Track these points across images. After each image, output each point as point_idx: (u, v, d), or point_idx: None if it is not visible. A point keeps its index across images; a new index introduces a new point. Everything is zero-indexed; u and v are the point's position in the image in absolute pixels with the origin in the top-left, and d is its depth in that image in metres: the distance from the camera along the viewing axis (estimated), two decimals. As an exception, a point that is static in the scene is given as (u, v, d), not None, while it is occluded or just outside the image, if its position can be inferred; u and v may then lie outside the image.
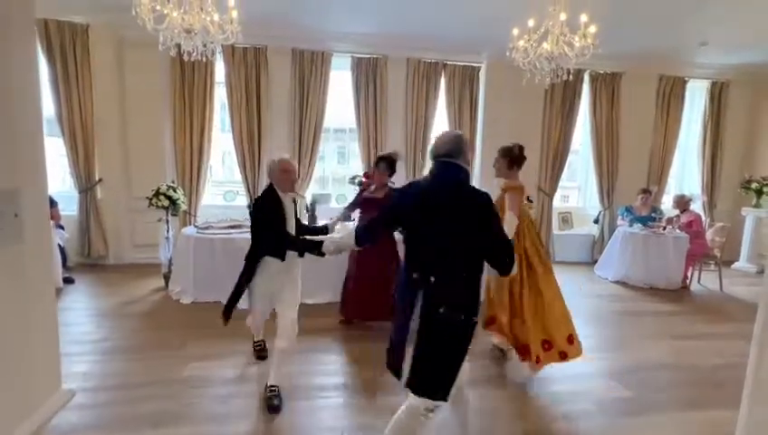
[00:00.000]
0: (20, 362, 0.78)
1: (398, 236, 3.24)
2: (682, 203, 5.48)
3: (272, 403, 2.40)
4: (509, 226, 2.58)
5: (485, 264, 1.71)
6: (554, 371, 2.88)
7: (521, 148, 2.87)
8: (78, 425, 2.22)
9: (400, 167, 5.95)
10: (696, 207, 6.02)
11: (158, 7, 3.12)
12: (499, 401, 2.62)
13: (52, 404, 0.86)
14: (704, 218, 6.26)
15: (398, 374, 1.75)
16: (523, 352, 2.82)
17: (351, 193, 4.76)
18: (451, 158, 1.73)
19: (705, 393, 2.75)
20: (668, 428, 2.41)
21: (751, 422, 0.87)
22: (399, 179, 5.82)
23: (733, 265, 6.32)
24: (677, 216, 5.51)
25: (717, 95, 6.56)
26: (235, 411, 2.41)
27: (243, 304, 4.02)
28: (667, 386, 2.85)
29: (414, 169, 5.95)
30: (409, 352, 1.67)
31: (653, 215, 5.54)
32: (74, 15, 4.84)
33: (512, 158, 2.85)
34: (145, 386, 2.63)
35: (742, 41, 5.35)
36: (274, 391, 2.45)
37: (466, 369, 1.83)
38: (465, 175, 1.74)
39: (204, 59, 3.55)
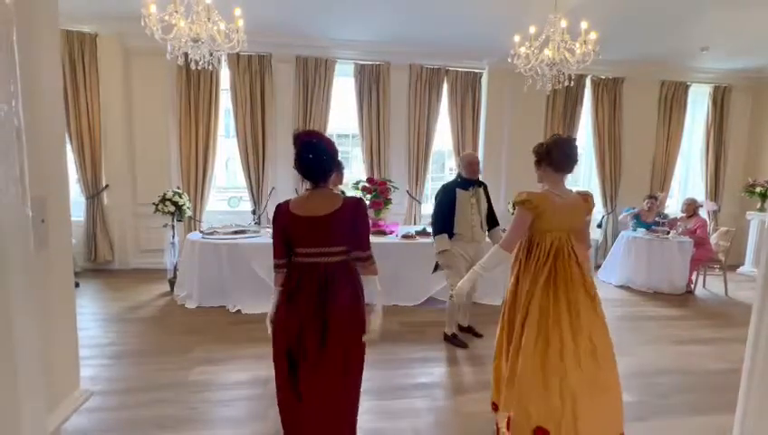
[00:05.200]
0: (45, 358, 0.81)
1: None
2: (691, 207, 5.46)
3: None
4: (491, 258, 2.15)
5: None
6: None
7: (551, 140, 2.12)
8: (86, 428, 2.25)
9: (404, 172, 6.02)
10: (702, 213, 6.00)
11: (165, 17, 3.18)
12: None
13: (72, 401, 0.90)
14: (709, 223, 6.24)
15: None
16: None
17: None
18: None
19: (709, 398, 2.74)
20: (672, 433, 2.41)
21: (746, 425, 0.89)
22: (402, 185, 5.88)
23: (738, 270, 6.28)
24: (679, 217, 5.50)
25: (720, 100, 6.57)
26: (240, 415, 2.43)
27: (252, 308, 4.08)
28: (672, 391, 2.84)
29: (416, 175, 5.98)
30: None
31: (657, 219, 5.53)
32: (83, 25, 4.94)
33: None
34: (151, 390, 2.65)
35: (742, 46, 5.37)
36: None
37: None
38: None
39: (210, 67, 3.61)
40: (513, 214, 2.13)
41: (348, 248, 1.73)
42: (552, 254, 2.00)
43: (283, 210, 1.74)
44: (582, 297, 1.98)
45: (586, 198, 2.13)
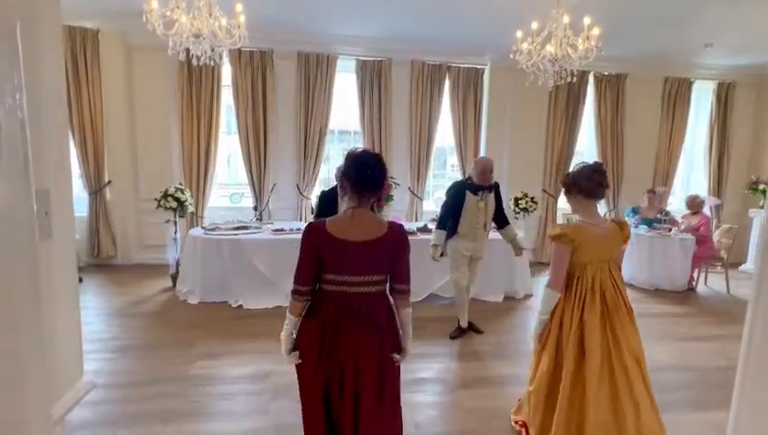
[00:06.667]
0: (49, 348, 0.83)
1: None
2: (695, 204, 5.43)
3: None
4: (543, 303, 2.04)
5: None
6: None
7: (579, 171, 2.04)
8: (89, 421, 2.28)
9: (405, 169, 6.01)
10: (705, 209, 5.97)
11: (167, 13, 3.19)
12: (498, 400, 2.63)
13: (76, 392, 0.91)
14: (711, 219, 6.22)
15: None
16: None
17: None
18: None
19: (709, 395, 2.75)
20: (673, 429, 2.41)
21: (740, 424, 0.90)
22: (404, 182, 5.88)
23: (740, 267, 6.27)
24: (683, 215, 5.48)
25: (723, 96, 6.53)
26: (241, 409, 2.46)
27: (253, 303, 4.11)
28: (673, 387, 2.85)
29: (418, 171, 5.98)
30: None
31: (658, 216, 5.51)
32: (85, 21, 4.94)
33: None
34: (154, 383, 2.68)
35: (746, 42, 5.34)
36: None
37: None
38: None
39: (212, 63, 3.62)
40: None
41: (385, 278, 1.59)
42: (597, 288, 1.95)
43: (318, 230, 1.53)
44: (633, 334, 2.00)
45: (622, 226, 2.08)
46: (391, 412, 1.68)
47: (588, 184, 1.98)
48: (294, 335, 1.62)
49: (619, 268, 2.11)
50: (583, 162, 2.09)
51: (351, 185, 1.55)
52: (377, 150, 5.79)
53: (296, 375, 1.65)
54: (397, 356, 1.64)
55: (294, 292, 1.57)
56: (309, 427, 1.68)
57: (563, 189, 2.10)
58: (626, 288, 2.08)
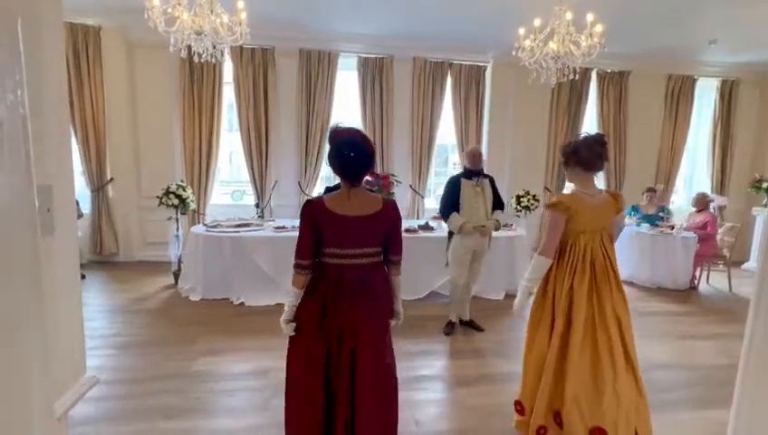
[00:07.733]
0: (52, 343, 0.84)
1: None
2: (702, 202, 5.41)
3: None
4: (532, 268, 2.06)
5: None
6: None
7: (582, 140, 2.03)
8: (92, 416, 2.29)
9: (407, 166, 6.01)
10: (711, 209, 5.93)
11: (168, 10, 3.18)
12: (499, 398, 2.64)
13: (79, 387, 0.92)
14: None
15: None
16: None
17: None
18: None
19: (712, 393, 2.75)
20: (675, 427, 2.41)
21: (740, 421, 0.90)
22: (405, 179, 5.87)
23: (742, 266, 6.25)
24: (688, 214, 5.46)
25: (727, 94, 6.49)
26: (243, 405, 2.47)
27: (255, 300, 4.11)
28: (675, 386, 2.85)
29: (420, 168, 5.97)
30: None
31: (660, 214, 5.49)
32: (87, 18, 4.94)
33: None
34: (156, 380, 2.69)
35: (751, 40, 5.30)
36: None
37: None
38: None
39: (213, 60, 3.61)
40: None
41: (380, 250, 1.70)
42: (588, 256, 1.99)
43: (317, 207, 1.59)
44: (621, 301, 2.04)
45: (616, 196, 2.10)
46: (388, 387, 1.74)
47: (587, 154, 1.99)
48: (295, 307, 1.70)
49: (612, 241, 2.12)
50: (586, 132, 2.10)
51: (341, 176, 1.64)
52: (378, 148, 5.80)
53: (291, 350, 1.70)
54: (393, 320, 1.80)
55: (297, 266, 1.65)
56: (297, 405, 1.68)
57: (562, 160, 2.12)
58: (616, 258, 2.10)
